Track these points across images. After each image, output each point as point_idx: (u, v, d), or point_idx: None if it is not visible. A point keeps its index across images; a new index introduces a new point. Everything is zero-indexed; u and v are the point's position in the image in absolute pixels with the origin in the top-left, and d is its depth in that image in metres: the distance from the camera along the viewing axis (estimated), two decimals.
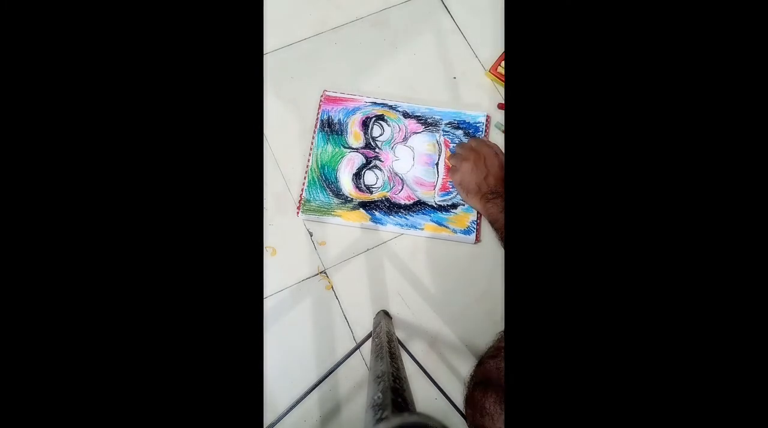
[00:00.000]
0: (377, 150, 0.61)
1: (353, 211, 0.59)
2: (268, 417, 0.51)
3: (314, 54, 0.66)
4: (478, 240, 0.59)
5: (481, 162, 0.56)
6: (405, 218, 0.59)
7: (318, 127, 0.62)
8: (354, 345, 0.55)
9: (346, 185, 0.60)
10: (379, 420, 0.26)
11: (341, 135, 0.62)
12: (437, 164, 0.61)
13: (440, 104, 0.63)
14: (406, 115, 0.63)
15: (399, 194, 0.60)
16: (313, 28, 0.67)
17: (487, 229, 0.59)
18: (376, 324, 0.52)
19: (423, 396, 0.54)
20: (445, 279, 0.59)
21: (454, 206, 0.60)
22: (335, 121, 0.62)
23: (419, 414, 0.24)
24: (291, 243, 0.59)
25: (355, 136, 0.62)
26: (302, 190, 0.60)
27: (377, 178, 0.60)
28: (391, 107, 0.63)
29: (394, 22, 0.67)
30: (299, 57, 0.66)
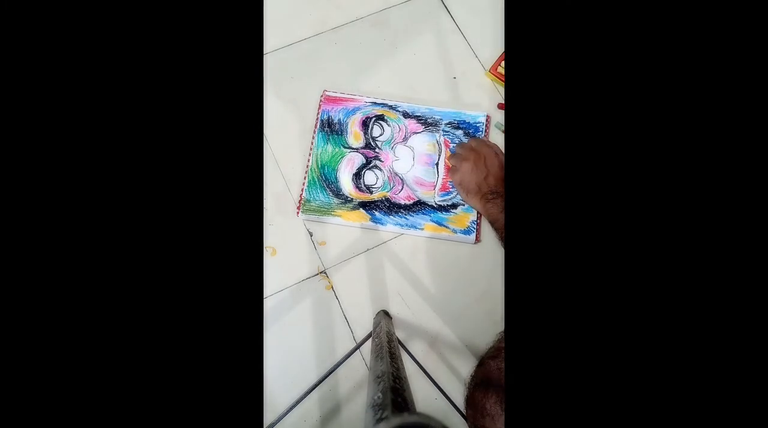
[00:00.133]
0: (377, 150, 0.61)
1: (353, 211, 0.59)
2: (268, 417, 0.51)
3: (314, 54, 0.66)
4: (478, 240, 0.59)
5: (481, 162, 0.56)
6: (405, 218, 0.59)
7: (318, 127, 0.62)
8: (354, 345, 0.55)
9: (346, 185, 0.60)
10: (379, 420, 0.26)
11: (341, 135, 0.62)
12: (437, 164, 0.61)
13: (440, 104, 0.63)
14: (406, 115, 0.63)
15: (399, 194, 0.60)
16: (313, 28, 0.67)
17: (487, 229, 0.59)
18: (376, 324, 0.52)
19: (423, 396, 0.54)
20: (445, 279, 0.59)
21: (454, 206, 0.60)
22: (335, 121, 0.62)
23: (419, 414, 0.24)
24: (291, 243, 0.59)
25: (355, 136, 0.62)
26: (302, 190, 0.60)
27: (377, 178, 0.60)
28: (391, 107, 0.63)
29: (394, 22, 0.67)
30: (299, 57, 0.66)
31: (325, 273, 0.59)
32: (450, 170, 0.60)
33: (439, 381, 0.52)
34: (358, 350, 0.54)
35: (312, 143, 0.61)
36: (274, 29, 0.66)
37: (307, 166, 0.60)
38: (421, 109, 0.63)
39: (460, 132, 0.62)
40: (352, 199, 0.60)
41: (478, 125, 0.62)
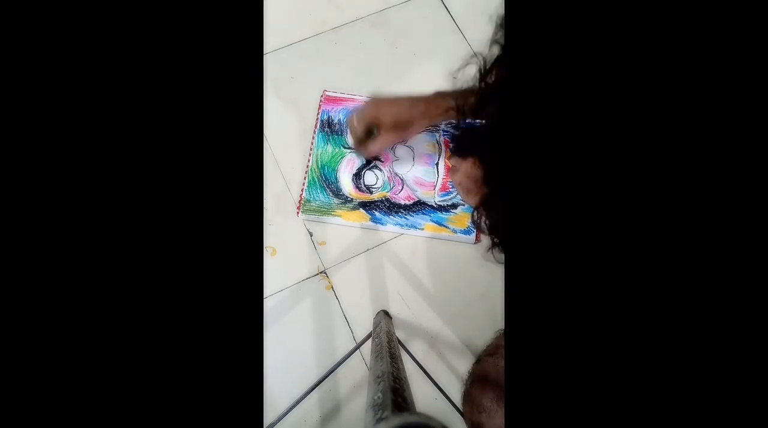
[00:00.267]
0: None
1: (353, 211, 0.59)
2: (268, 417, 0.51)
3: (314, 54, 0.66)
4: (478, 240, 0.59)
5: None
6: (405, 218, 0.59)
7: (318, 127, 0.62)
8: (354, 345, 0.55)
9: (346, 185, 0.60)
10: (379, 420, 0.26)
11: (341, 135, 0.62)
12: (437, 164, 0.61)
13: None
14: None
15: (399, 194, 0.60)
16: (313, 28, 0.67)
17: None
18: (376, 324, 0.52)
19: (423, 396, 0.54)
20: (445, 279, 0.59)
21: (454, 206, 0.60)
22: (335, 121, 0.62)
23: (419, 414, 0.24)
24: (291, 243, 0.59)
25: None
26: (302, 190, 0.60)
27: (377, 178, 0.60)
28: None
29: (394, 22, 0.67)
30: (299, 57, 0.66)
31: (325, 273, 0.59)
32: (450, 170, 0.60)
33: (439, 381, 0.52)
34: (358, 350, 0.54)
35: (312, 143, 0.61)
36: (274, 29, 0.66)
37: (307, 166, 0.60)
38: None
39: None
40: (352, 199, 0.60)
41: (478, 125, 0.62)
